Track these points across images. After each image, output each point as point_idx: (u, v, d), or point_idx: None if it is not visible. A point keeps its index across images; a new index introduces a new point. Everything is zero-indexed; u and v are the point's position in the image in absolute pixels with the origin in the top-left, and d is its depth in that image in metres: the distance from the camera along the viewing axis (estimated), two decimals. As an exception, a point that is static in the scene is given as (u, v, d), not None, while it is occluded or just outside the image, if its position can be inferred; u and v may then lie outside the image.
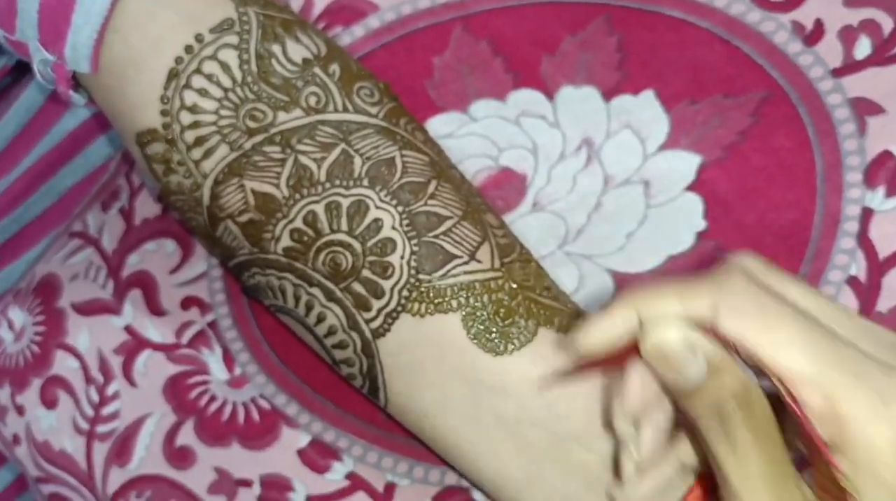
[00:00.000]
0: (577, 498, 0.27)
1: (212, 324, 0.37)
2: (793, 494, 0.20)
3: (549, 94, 0.34)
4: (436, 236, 0.28)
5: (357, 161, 0.28)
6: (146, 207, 0.39)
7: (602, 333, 0.20)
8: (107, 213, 0.40)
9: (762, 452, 0.19)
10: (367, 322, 0.28)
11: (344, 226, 0.28)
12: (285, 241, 0.29)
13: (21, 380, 0.39)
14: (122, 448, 0.37)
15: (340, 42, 0.36)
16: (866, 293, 0.31)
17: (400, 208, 0.28)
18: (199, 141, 0.29)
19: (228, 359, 0.36)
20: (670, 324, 0.20)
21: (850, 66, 0.32)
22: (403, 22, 0.36)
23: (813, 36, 0.33)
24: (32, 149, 0.43)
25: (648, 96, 0.34)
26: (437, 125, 0.35)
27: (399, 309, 0.28)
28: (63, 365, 0.38)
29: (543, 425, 0.27)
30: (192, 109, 0.29)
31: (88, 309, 0.39)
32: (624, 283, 0.33)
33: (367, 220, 0.28)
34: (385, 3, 0.36)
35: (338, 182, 0.28)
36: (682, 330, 0.20)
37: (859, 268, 0.31)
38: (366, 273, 0.28)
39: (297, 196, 0.28)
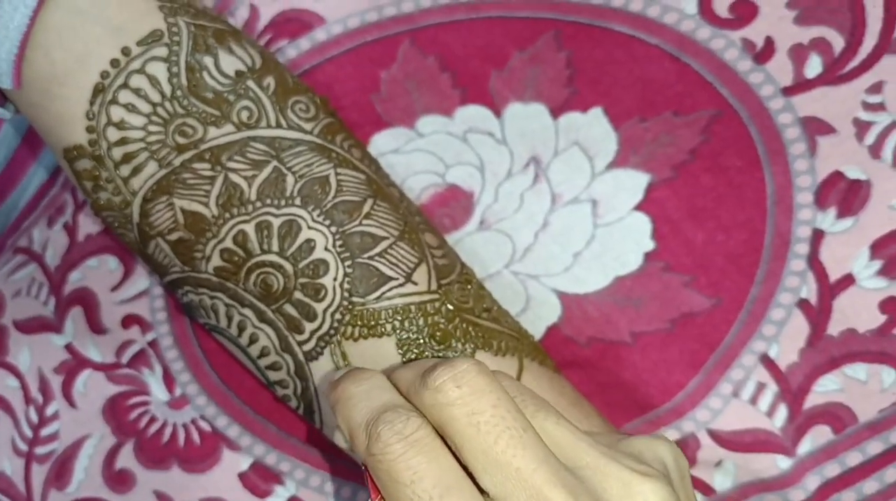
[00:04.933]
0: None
1: (152, 343, 0.36)
2: None
3: (497, 111, 0.34)
4: (370, 257, 0.27)
5: (289, 179, 0.28)
6: (89, 223, 0.38)
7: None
8: (51, 229, 0.39)
9: None
10: (300, 344, 0.27)
11: (275, 247, 0.27)
12: (216, 261, 0.28)
13: (-42, 400, 0.38)
14: (60, 471, 0.36)
15: (285, 55, 0.35)
16: (817, 316, 0.31)
17: (333, 228, 0.27)
18: (126, 157, 0.28)
19: (169, 380, 0.35)
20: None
21: (801, 85, 0.32)
22: (350, 35, 0.35)
23: (763, 54, 0.32)
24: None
25: (597, 113, 0.33)
26: (384, 140, 0.34)
27: (332, 332, 0.27)
28: (3, 384, 0.37)
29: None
30: (119, 125, 0.28)
31: (29, 326, 0.38)
32: (570, 303, 0.32)
33: (299, 241, 0.27)
34: (332, 16, 0.35)
35: (269, 201, 0.27)
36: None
37: (810, 291, 0.31)
38: (297, 295, 0.27)
39: (227, 215, 0.28)
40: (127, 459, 0.35)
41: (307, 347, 0.27)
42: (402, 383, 0.23)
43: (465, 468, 0.21)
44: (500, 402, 0.21)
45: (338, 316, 0.27)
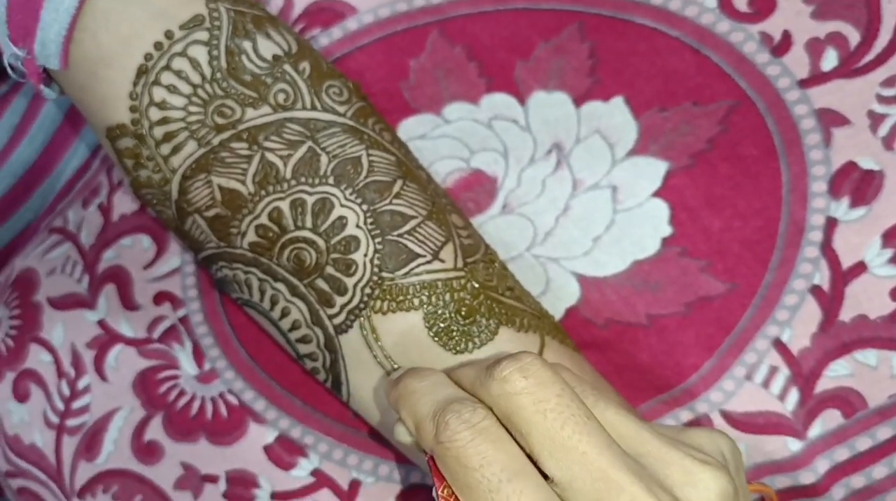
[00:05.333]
0: None
1: (183, 320, 0.37)
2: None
3: (521, 99, 0.35)
4: (400, 235, 0.28)
5: (323, 159, 0.29)
6: (124, 203, 0.39)
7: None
8: (86, 210, 0.40)
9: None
10: (331, 318, 0.29)
11: (308, 223, 0.28)
12: (251, 236, 0.29)
13: (-6, 372, 0.39)
14: (90, 443, 0.37)
15: (318, 43, 0.36)
16: (829, 303, 0.32)
17: (364, 206, 0.28)
18: (167, 136, 0.29)
19: (198, 354, 0.36)
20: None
21: (817, 78, 0.33)
22: (381, 25, 0.36)
23: (781, 47, 0.33)
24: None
25: (618, 103, 0.34)
26: (411, 126, 0.35)
27: (362, 306, 0.28)
28: (36, 358, 0.38)
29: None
30: (161, 105, 0.29)
31: (63, 303, 0.39)
32: (589, 286, 0.33)
33: (332, 218, 0.28)
34: (363, 6, 0.36)
35: (303, 179, 0.29)
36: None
37: (823, 278, 0.32)
38: (329, 270, 0.28)
39: (263, 192, 0.29)
40: (156, 431, 0.36)
41: (337, 320, 0.29)
42: (465, 379, 0.24)
43: (529, 457, 0.22)
44: (563, 392, 0.22)
45: (367, 290, 0.28)
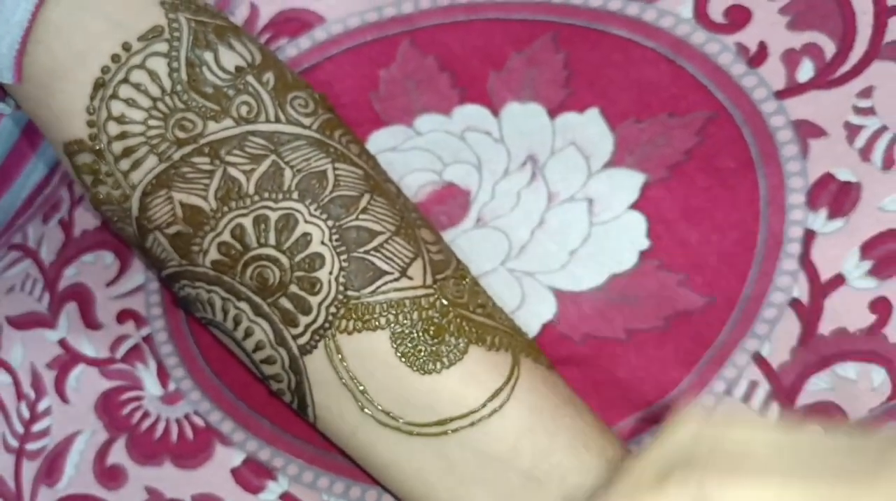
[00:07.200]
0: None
1: (147, 339, 0.36)
2: None
3: (495, 110, 0.34)
4: (366, 251, 0.27)
5: (287, 173, 0.28)
6: (86, 219, 0.38)
7: None
8: (46, 225, 0.39)
9: None
10: (295, 338, 0.28)
11: (272, 241, 0.27)
12: (213, 254, 0.28)
13: (-50, 395, 0.38)
14: (51, 467, 0.35)
15: (285, 54, 0.36)
16: (808, 315, 0.31)
17: (330, 222, 0.27)
18: (126, 152, 0.28)
19: (163, 374, 0.35)
20: None
21: (793, 89, 0.32)
22: (350, 35, 0.35)
23: (757, 58, 0.33)
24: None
25: (594, 114, 0.33)
26: (382, 138, 0.35)
27: (327, 325, 0.27)
28: (-5, 379, 0.37)
29: (472, 446, 0.26)
30: (120, 120, 0.28)
31: (23, 322, 0.38)
32: (566, 301, 0.32)
33: (296, 235, 0.27)
34: (332, 16, 0.36)
35: (267, 195, 0.28)
36: None
37: (801, 291, 0.31)
38: (293, 288, 0.27)
39: (225, 209, 0.28)
40: (119, 455, 0.35)
41: (302, 341, 0.28)
42: None
43: None
44: None
45: (332, 309, 0.27)
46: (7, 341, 0.37)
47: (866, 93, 0.32)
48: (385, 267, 0.27)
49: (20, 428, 0.36)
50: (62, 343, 0.37)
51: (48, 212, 0.39)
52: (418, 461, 0.27)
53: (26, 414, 0.36)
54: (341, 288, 0.27)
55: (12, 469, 0.36)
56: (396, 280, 0.27)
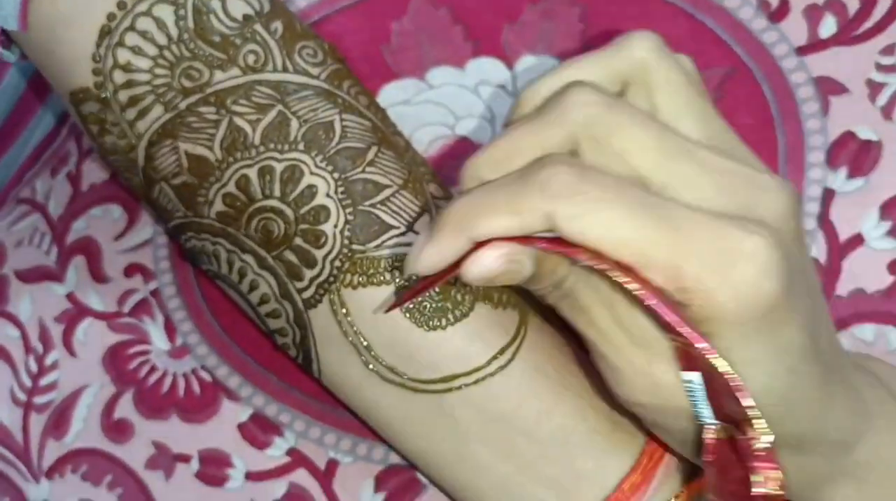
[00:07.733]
0: (507, 481, 0.26)
1: (154, 292, 0.35)
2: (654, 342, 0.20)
3: (509, 64, 0.33)
4: (372, 205, 0.27)
5: (294, 124, 0.27)
6: (94, 172, 0.38)
7: (432, 260, 0.20)
8: (55, 179, 0.39)
9: (611, 313, 0.21)
10: (299, 292, 0.27)
11: (277, 192, 0.27)
12: (218, 206, 0.28)
13: (-41, 348, 0.38)
14: (58, 421, 0.36)
15: (295, 5, 0.35)
16: (826, 276, 0.30)
17: (336, 175, 0.27)
18: (132, 100, 0.28)
19: (170, 329, 0.35)
20: (488, 255, 0.20)
21: (815, 45, 0.31)
22: (360, -14, 0.35)
23: (778, 13, 0.32)
24: None
25: (608, 69, 0.32)
26: (393, 91, 0.34)
27: (331, 279, 0.27)
28: (3, 333, 0.37)
29: (475, 404, 0.26)
30: (126, 68, 0.28)
31: (31, 275, 0.37)
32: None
33: (301, 187, 0.27)
34: (342, -33, 0.35)
35: (272, 145, 0.27)
36: (501, 252, 0.20)
37: (819, 250, 0.30)
38: (298, 241, 0.27)
39: (231, 159, 0.27)
40: (126, 409, 0.35)
41: (306, 295, 0.27)
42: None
43: None
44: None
45: (337, 263, 0.27)
46: (15, 295, 0.37)
47: (889, 49, 0.31)
48: (391, 221, 0.27)
49: (28, 382, 0.36)
50: (70, 296, 0.36)
51: (56, 165, 0.39)
52: (421, 417, 0.27)
53: (34, 367, 0.36)
54: (346, 241, 0.27)
55: (20, 423, 0.36)
56: (402, 234, 0.27)
